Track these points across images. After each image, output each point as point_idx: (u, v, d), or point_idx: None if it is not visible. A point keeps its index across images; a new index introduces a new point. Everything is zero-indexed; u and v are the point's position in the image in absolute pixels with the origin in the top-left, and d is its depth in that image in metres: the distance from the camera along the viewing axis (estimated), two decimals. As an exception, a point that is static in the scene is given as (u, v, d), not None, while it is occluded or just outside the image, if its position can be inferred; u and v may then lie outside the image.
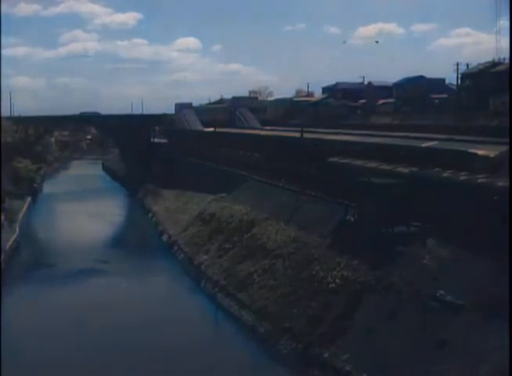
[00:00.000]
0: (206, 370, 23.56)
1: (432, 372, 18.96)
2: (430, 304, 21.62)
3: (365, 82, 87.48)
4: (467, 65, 62.87)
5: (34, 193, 71.54)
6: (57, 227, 56.66)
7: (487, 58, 59.69)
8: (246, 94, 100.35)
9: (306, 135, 44.22)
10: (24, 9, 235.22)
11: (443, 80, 75.42)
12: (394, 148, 34.83)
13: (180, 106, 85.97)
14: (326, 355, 22.40)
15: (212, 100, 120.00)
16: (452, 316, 20.53)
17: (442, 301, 21.33)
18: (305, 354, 23.27)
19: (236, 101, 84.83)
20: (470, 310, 20.20)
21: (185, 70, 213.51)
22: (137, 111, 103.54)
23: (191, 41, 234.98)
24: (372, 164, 32.95)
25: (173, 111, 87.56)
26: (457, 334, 19.68)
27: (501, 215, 21.20)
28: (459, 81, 63.39)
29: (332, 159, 37.20)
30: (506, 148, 25.05)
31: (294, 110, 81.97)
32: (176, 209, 52.58)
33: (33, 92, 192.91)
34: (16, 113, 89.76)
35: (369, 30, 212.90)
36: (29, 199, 64.90)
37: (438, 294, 21.63)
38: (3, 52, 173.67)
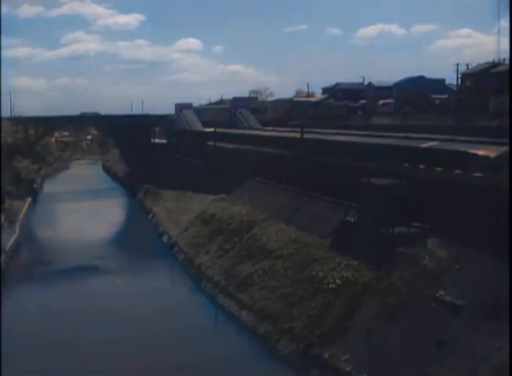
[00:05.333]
0: (207, 371, 23.55)
1: (432, 372, 18.96)
2: (430, 304, 21.62)
3: (366, 82, 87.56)
4: (467, 66, 62.91)
5: (34, 193, 71.47)
6: (57, 228, 56.57)
7: (487, 59, 59.74)
8: (247, 94, 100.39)
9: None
10: (27, 11, 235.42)
11: (443, 80, 75.44)
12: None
13: (180, 107, 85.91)
14: (326, 355, 22.41)
15: (212, 101, 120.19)
16: (452, 316, 20.52)
17: (442, 302, 21.33)
18: (306, 354, 23.26)
19: (237, 101, 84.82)
20: (470, 310, 20.20)
21: (186, 70, 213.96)
22: (137, 112, 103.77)
23: (192, 42, 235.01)
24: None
25: (173, 112, 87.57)
26: (457, 335, 19.68)
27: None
28: (460, 82, 63.41)
29: (208, 142, 65.94)
30: (506, 148, 25.05)
31: (294, 110, 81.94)
32: (176, 210, 52.57)
33: (33, 93, 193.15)
34: (16, 114, 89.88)
35: (370, 30, 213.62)
36: (29, 199, 64.85)
37: (438, 295, 21.63)
38: (4, 52, 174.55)
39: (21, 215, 53.82)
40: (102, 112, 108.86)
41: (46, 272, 39.00)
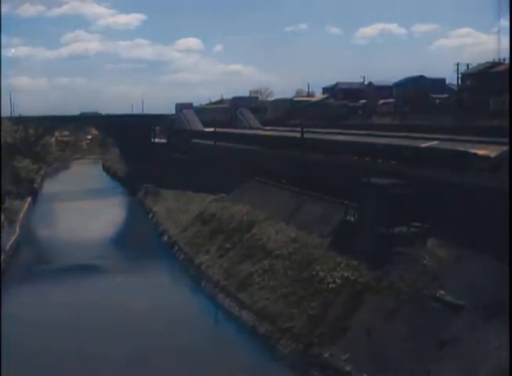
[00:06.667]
0: (207, 370, 23.56)
1: (432, 371, 18.95)
2: (430, 304, 21.62)
3: (366, 82, 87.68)
4: (468, 65, 62.99)
5: (34, 192, 71.48)
6: (57, 227, 56.63)
7: (488, 58, 59.86)
8: (247, 94, 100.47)
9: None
10: (28, 10, 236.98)
11: (443, 80, 75.56)
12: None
13: (180, 107, 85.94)
14: (326, 355, 22.39)
15: (213, 100, 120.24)
16: (452, 316, 20.52)
17: (442, 301, 21.33)
18: (305, 354, 23.26)
19: (237, 101, 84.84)
20: (470, 310, 20.19)
21: (187, 70, 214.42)
22: (137, 111, 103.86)
23: (193, 42, 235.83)
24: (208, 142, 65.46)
25: (173, 111, 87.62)
26: (457, 334, 19.67)
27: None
28: (460, 82, 63.46)
29: (193, 140, 72.55)
30: (506, 148, 25.03)
31: (295, 110, 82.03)
32: (176, 209, 52.57)
33: (33, 92, 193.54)
34: (16, 114, 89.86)
35: (370, 30, 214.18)
36: (29, 199, 64.85)
37: (438, 294, 21.63)
38: (4, 52, 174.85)
39: (21, 215, 53.81)
40: (103, 112, 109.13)
41: (46, 272, 39.02)
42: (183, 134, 79.36)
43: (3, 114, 74.36)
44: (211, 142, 63.37)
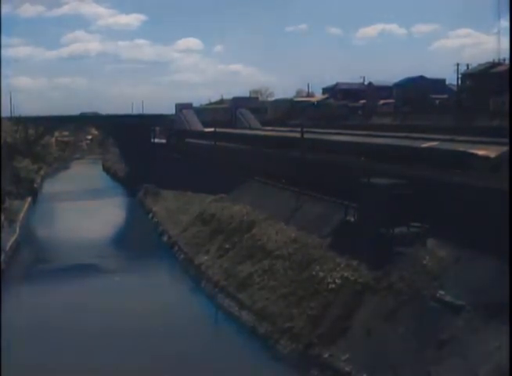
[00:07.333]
0: (207, 370, 23.56)
1: (432, 372, 18.96)
2: (430, 304, 21.62)
3: (366, 82, 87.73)
4: (467, 66, 63.06)
5: (34, 193, 71.47)
6: (57, 227, 56.65)
7: (487, 59, 59.95)
8: (247, 94, 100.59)
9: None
10: (28, 10, 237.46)
11: (443, 80, 75.61)
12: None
13: (180, 107, 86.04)
14: (325, 355, 22.39)
15: (213, 101, 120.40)
16: (452, 316, 20.52)
17: (442, 302, 21.33)
18: (305, 354, 23.26)
19: (237, 101, 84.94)
20: (470, 311, 20.19)
21: (187, 70, 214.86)
22: (137, 111, 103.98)
23: (192, 42, 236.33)
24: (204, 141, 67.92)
25: (173, 112, 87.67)
26: (457, 335, 19.67)
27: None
28: (460, 82, 63.50)
29: (187, 139, 75.34)
30: (506, 148, 25.06)
31: (295, 110, 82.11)
32: (176, 209, 52.56)
33: (34, 93, 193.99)
34: (16, 114, 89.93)
35: (370, 30, 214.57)
36: (29, 199, 64.84)
37: (437, 295, 21.63)
38: (4, 52, 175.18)
39: (21, 215, 53.80)
40: (103, 112, 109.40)
41: (46, 272, 39.03)
42: (183, 134, 79.42)
43: (3, 114, 74.56)
44: (211, 143, 63.45)
